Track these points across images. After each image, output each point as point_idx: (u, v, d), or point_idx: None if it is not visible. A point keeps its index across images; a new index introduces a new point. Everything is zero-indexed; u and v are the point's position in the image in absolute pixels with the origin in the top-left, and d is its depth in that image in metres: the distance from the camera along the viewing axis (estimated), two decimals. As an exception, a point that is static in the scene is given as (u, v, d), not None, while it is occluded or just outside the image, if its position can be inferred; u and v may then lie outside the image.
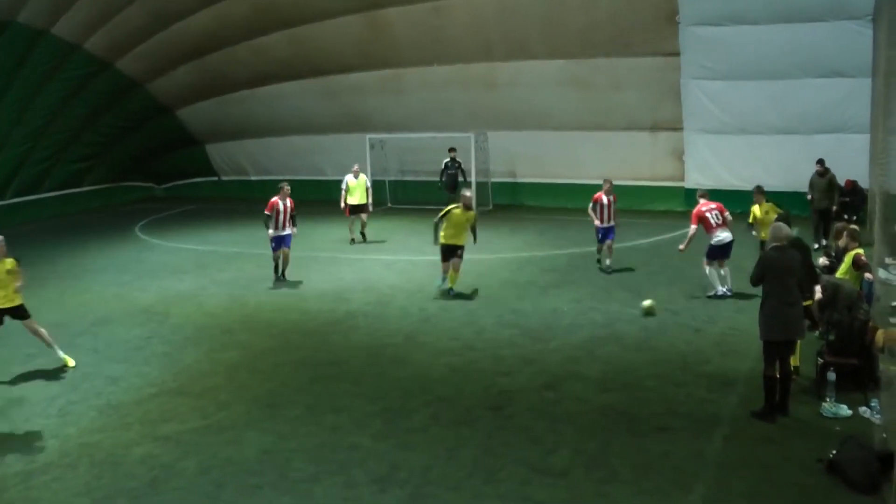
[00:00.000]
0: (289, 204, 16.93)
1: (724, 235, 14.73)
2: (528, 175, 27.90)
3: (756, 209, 15.70)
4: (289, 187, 17.21)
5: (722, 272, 14.95)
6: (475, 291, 15.78)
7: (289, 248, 17.24)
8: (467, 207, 15.68)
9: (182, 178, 34.10)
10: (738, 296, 14.61)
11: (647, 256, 18.62)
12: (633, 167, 25.48)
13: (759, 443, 8.98)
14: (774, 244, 9.69)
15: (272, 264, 17.35)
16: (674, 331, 13.18)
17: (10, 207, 27.71)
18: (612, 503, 7.80)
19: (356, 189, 21.42)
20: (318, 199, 27.49)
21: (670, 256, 17.43)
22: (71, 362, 12.41)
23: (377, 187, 28.07)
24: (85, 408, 10.69)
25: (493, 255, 19.21)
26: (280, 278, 17.28)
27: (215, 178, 33.87)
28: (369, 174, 27.53)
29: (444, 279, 15.85)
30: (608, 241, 16.98)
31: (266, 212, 16.81)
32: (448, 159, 25.78)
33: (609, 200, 16.95)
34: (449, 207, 15.73)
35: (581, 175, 26.47)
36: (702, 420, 9.69)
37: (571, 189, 26.84)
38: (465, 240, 15.69)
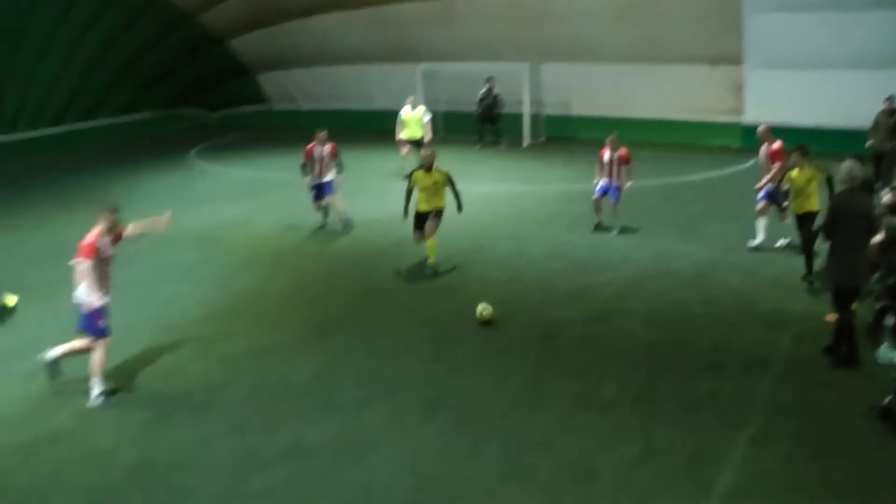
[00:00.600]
0: (327, 150, 15.85)
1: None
2: (581, 108, 27.43)
3: (795, 174, 12.23)
4: (325, 133, 16.09)
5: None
6: (453, 268, 13.40)
7: (331, 193, 15.98)
8: (428, 168, 13.29)
9: (234, 107, 34.20)
10: (793, 235, 14.32)
11: (701, 193, 18.29)
12: (690, 102, 24.88)
13: (811, 385, 8.88)
14: (846, 187, 9.23)
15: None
16: (726, 269, 12.99)
17: (68, 135, 28.11)
18: (656, 439, 7.80)
19: (411, 122, 20.51)
20: (369, 129, 27.39)
21: (724, 194, 17.16)
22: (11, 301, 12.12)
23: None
24: (141, 328, 10.94)
25: (544, 186, 19.06)
26: (325, 225, 16.21)
27: (267, 107, 33.93)
28: (423, 103, 27.34)
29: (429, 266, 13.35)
30: (611, 201, 15.03)
31: (302, 161, 15.98)
32: (484, 90, 25.44)
33: (612, 157, 15.00)
34: (412, 170, 13.81)
35: (636, 110, 25.97)
36: (752, 360, 9.56)
37: (625, 124, 26.35)
38: (442, 203, 13.40)
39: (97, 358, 8.89)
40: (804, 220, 12.13)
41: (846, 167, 9.32)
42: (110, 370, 9.64)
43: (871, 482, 7.04)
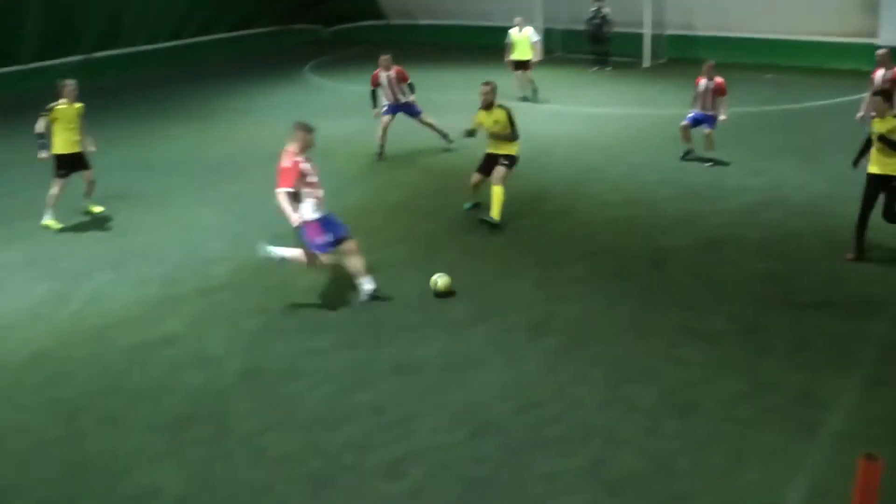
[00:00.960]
0: (393, 75, 15.56)
1: None
2: (705, 28, 26.45)
3: (877, 124, 9.86)
4: (388, 57, 15.67)
5: None
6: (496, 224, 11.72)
7: (419, 113, 15.80)
8: (487, 105, 11.79)
9: (350, 22, 34.24)
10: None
11: (825, 119, 17.51)
12: (820, 20, 23.66)
13: (931, 328, 8.51)
14: None
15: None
16: (847, 201, 12.43)
17: (185, 48, 28.67)
18: (763, 374, 7.69)
19: (520, 44, 20.05)
20: (486, 45, 27.07)
21: (850, 121, 16.40)
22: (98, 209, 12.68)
23: (547, 36, 27.36)
24: (255, 237, 11.19)
25: (661, 110, 18.61)
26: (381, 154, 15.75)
27: (384, 22, 33.85)
28: (541, 21, 26.86)
29: (472, 203, 12.34)
30: (706, 130, 14.36)
31: (371, 86, 15.84)
32: (594, 9, 24.75)
33: (708, 86, 14.29)
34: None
35: (763, 29, 24.93)
36: (868, 299, 9.22)
37: (750, 43, 25.37)
38: (513, 149, 11.86)
39: (354, 262, 9.31)
40: (884, 184, 10.04)
41: None
42: (214, 275, 10.07)
43: None
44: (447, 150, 15.57)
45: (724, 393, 7.37)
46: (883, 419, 6.95)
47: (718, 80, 14.29)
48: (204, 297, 9.67)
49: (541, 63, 20.52)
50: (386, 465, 6.45)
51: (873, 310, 8.95)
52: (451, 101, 18.11)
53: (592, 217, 12.05)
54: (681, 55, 25.90)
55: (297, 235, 9.03)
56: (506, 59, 20.41)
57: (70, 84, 12.05)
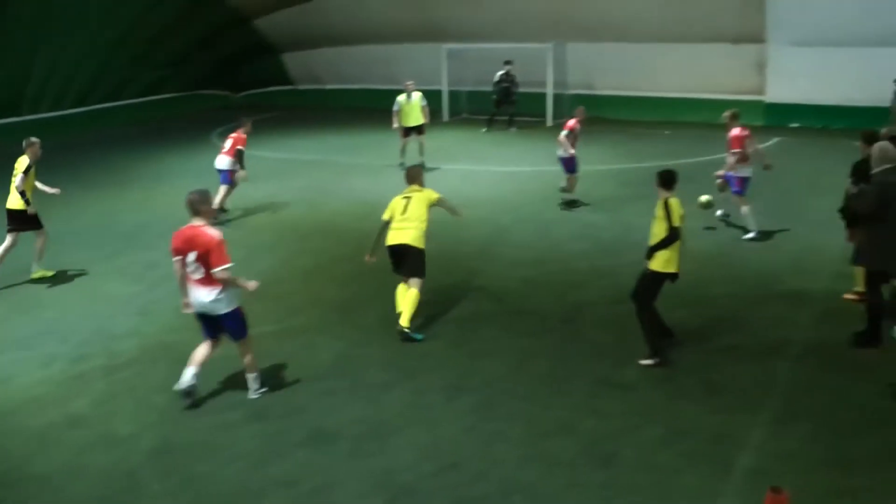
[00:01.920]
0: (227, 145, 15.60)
1: (750, 169, 13.57)
2: (605, 87, 27.34)
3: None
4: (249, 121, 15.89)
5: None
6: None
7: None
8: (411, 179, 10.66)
9: (258, 87, 34.31)
10: (815, 214, 14.25)
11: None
12: (713, 80, 24.75)
13: (831, 365, 8.87)
14: (884, 167, 8.92)
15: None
16: (748, 248, 12.98)
17: (92, 113, 28.39)
18: (679, 419, 7.83)
19: (411, 109, 19.71)
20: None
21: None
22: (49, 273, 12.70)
23: (454, 97, 27.88)
24: (164, 307, 11.04)
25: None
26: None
27: (291, 87, 34.01)
28: (445, 84, 27.32)
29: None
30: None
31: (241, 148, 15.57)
32: (502, 72, 25.34)
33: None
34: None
35: (660, 88, 25.90)
36: (773, 340, 9.59)
37: (650, 102, 26.30)
38: (416, 238, 10.20)
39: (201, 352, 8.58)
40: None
41: (880, 148, 9.13)
42: (122, 351, 9.76)
43: (891, 461, 7.03)
44: (359, 216, 15.56)
45: (642, 441, 7.45)
46: (790, 453, 7.18)
47: (570, 122, 15.60)
48: (112, 374, 9.31)
49: (450, 122, 20.76)
50: (304, 538, 6.26)
51: (778, 350, 9.30)
52: (359, 164, 18.13)
53: (507, 275, 12.14)
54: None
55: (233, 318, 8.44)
56: (394, 126, 19.98)
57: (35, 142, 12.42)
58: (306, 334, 10.18)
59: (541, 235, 14.07)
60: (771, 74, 24.24)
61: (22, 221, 12.33)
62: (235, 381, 8.92)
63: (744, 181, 13.54)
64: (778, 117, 23.93)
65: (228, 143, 15.60)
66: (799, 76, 23.63)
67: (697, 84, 24.58)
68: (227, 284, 8.19)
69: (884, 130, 10.49)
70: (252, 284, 8.46)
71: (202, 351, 8.52)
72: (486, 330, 10.17)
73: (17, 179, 12.15)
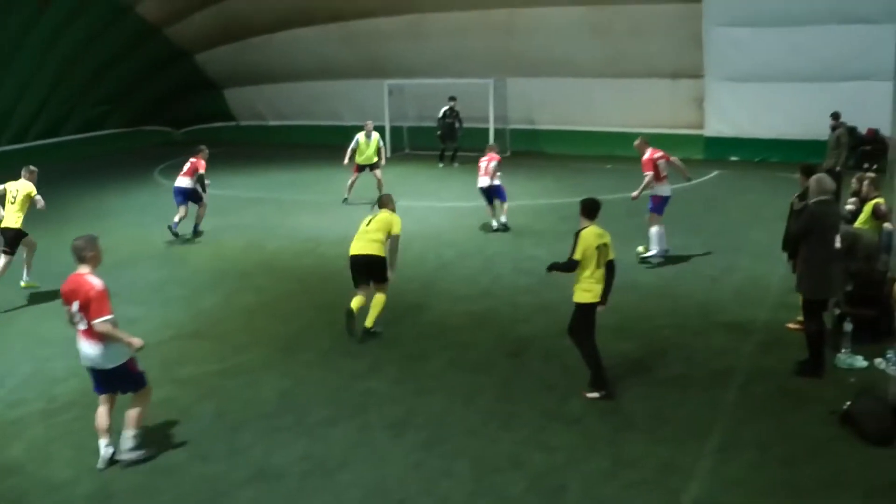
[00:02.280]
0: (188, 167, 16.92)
1: (669, 188, 14.18)
2: (546, 122, 27.70)
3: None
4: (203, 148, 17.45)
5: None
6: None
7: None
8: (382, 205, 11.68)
9: (200, 123, 34.06)
10: (756, 245, 14.52)
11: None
12: (653, 115, 25.21)
13: (774, 393, 8.98)
14: (820, 198, 9.19)
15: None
16: (691, 280, 13.15)
17: (31, 150, 27.79)
18: (626, 450, 7.84)
19: (368, 148, 19.91)
20: (337, 143, 27.33)
21: (687, 205, 17.28)
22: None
23: (395, 133, 27.96)
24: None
25: (510, 202, 19.08)
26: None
27: (233, 123, 33.83)
28: (387, 120, 27.40)
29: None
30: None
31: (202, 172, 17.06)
32: (446, 108, 25.52)
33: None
34: None
35: (600, 122, 26.28)
36: (717, 370, 9.69)
37: (590, 136, 26.66)
38: (380, 249, 11.08)
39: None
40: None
41: (818, 181, 9.36)
42: (60, 394, 9.47)
43: (835, 487, 7.12)
44: (302, 252, 15.44)
45: (589, 473, 7.43)
46: (737, 482, 7.24)
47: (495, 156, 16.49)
48: (50, 418, 9.02)
49: (391, 158, 20.82)
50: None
51: (722, 379, 9.39)
52: (302, 201, 18.02)
53: (450, 310, 12.11)
54: (525, 148, 26.99)
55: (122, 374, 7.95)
56: (345, 162, 20.09)
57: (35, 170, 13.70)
58: (250, 373, 10.01)
59: (484, 270, 14.09)
60: (709, 109, 24.80)
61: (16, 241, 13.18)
62: (177, 421, 8.73)
63: (662, 200, 13.94)
64: (717, 151, 24.45)
65: (187, 166, 16.66)
66: (737, 111, 24.24)
67: (637, 119, 24.98)
68: (107, 338, 7.55)
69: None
70: (137, 341, 7.67)
71: (102, 417, 7.92)
72: (432, 365, 10.10)
73: (39, 198, 13.51)
